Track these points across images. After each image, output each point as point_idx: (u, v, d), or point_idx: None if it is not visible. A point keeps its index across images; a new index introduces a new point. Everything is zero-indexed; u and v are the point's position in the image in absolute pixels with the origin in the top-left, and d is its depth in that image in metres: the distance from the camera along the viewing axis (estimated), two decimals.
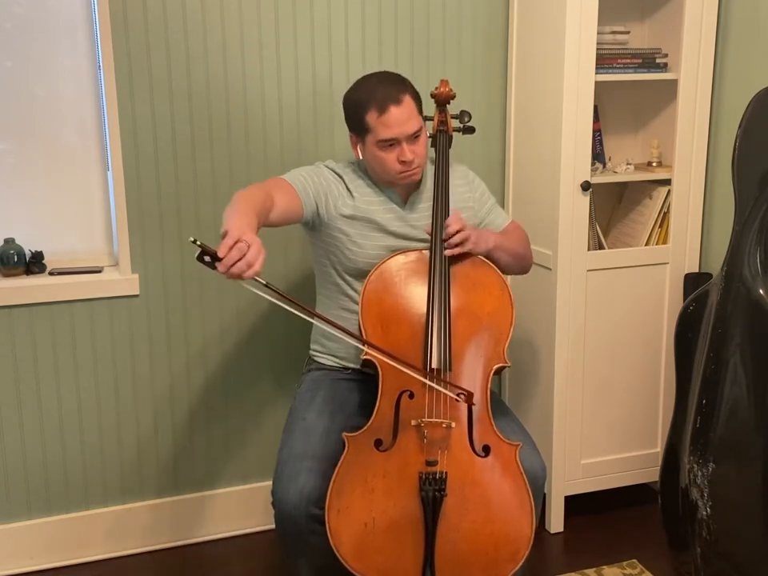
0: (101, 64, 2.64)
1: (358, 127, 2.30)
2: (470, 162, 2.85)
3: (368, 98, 2.26)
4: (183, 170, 2.75)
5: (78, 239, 2.81)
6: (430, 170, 2.43)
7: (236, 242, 1.83)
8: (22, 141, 2.69)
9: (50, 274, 2.73)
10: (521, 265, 2.51)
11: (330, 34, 2.80)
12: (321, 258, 2.43)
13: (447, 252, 2.25)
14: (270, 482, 2.22)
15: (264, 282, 1.89)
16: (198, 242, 1.80)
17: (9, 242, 2.70)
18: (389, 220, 2.37)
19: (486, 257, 2.36)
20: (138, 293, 2.77)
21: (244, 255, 1.83)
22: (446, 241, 2.26)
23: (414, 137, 2.27)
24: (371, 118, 2.25)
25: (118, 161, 2.67)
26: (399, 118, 2.24)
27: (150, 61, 2.65)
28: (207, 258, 1.83)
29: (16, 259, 2.69)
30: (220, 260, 1.82)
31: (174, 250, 2.78)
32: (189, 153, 2.74)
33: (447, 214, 2.30)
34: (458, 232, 2.25)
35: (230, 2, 2.68)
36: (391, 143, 2.26)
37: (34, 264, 2.72)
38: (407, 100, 2.26)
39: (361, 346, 2.19)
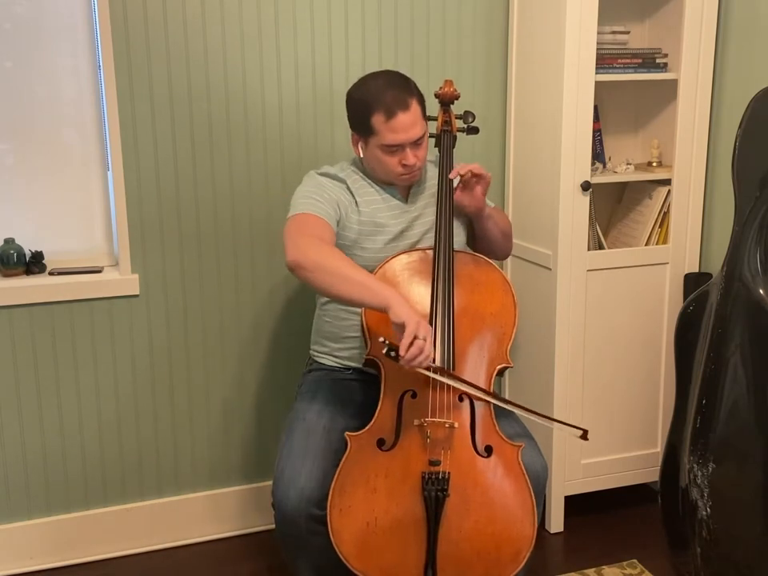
0: (101, 64, 2.63)
1: (362, 128, 2.29)
2: (470, 162, 2.85)
3: (376, 100, 2.24)
4: (183, 170, 2.74)
5: (78, 239, 2.80)
6: (427, 165, 2.46)
7: (414, 339, 1.97)
8: (22, 141, 2.69)
9: (50, 273, 2.73)
10: (506, 244, 2.57)
11: (330, 34, 2.80)
12: None
13: (454, 172, 2.32)
14: (271, 482, 2.22)
15: (437, 366, 2.08)
16: (387, 342, 2.00)
17: (9, 242, 2.70)
18: (391, 218, 2.38)
19: (480, 227, 2.43)
20: (137, 293, 2.77)
21: (423, 350, 1.98)
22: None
23: (418, 141, 2.28)
24: (377, 121, 2.24)
25: (118, 161, 2.67)
26: (406, 124, 2.23)
27: (150, 61, 2.65)
28: (393, 353, 2.00)
29: (16, 259, 2.69)
30: (402, 357, 1.99)
31: (174, 250, 2.78)
32: (189, 152, 2.74)
33: (452, 216, 2.32)
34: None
35: (230, 2, 2.68)
36: (396, 148, 2.26)
37: (33, 264, 2.72)
38: (414, 105, 2.25)
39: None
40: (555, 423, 2.27)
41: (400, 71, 2.39)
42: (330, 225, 2.25)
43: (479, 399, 2.17)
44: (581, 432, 2.21)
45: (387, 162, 2.29)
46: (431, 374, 2.11)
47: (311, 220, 2.23)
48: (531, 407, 2.23)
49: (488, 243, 2.49)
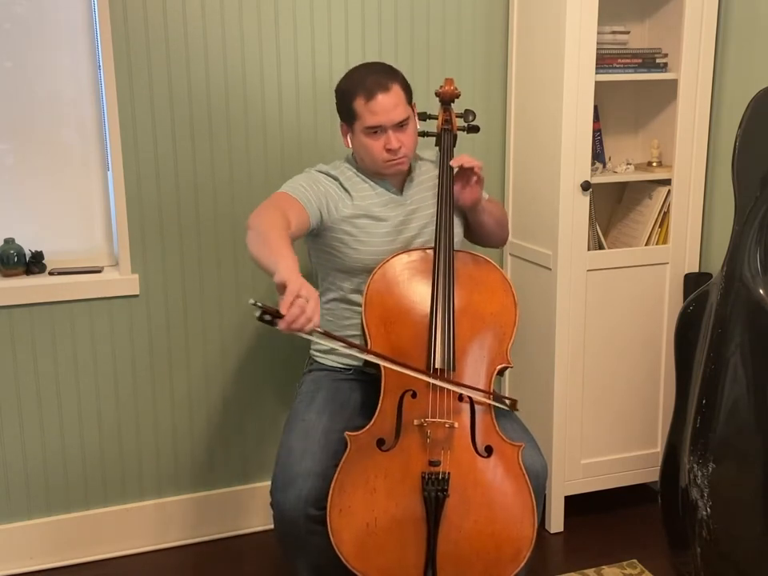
0: (101, 64, 2.63)
1: (347, 115, 2.32)
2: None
3: (357, 85, 2.28)
4: (183, 170, 2.74)
5: (78, 239, 2.80)
6: (416, 159, 2.47)
7: (295, 298, 1.84)
8: (22, 141, 2.69)
9: (50, 273, 2.73)
10: (501, 234, 2.60)
11: (330, 33, 2.80)
12: (324, 261, 2.43)
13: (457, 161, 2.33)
14: (270, 482, 2.22)
15: (322, 331, 1.94)
16: (259, 304, 1.81)
17: (9, 242, 2.70)
18: (387, 211, 2.38)
19: (475, 219, 2.45)
20: (137, 293, 2.77)
21: (304, 310, 1.84)
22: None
23: (402, 125, 2.29)
24: (359, 104, 2.27)
25: (118, 161, 2.67)
26: (386, 105, 2.25)
27: (150, 61, 2.65)
28: (267, 317, 1.82)
29: (16, 259, 2.69)
30: (281, 317, 1.83)
31: (174, 250, 2.78)
32: (189, 152, 2.74)
33: (452, 215, 2.32)
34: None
35: (230, 2, 2.68)
36: (376, 130, 2.28)
37: (34, 264, 2.72)
38: (395, 88, 2.28)
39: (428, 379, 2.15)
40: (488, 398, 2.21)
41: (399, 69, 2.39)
42: (303, 207, 2.26)
43: (479, 402, 2.17)
44: (509, 401, 2.23)
45: (371, 146, 2.30)
46: (427, 378, 2.11)
47: (285, 198, 2.26)
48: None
49: (484, 233, 2.52)
